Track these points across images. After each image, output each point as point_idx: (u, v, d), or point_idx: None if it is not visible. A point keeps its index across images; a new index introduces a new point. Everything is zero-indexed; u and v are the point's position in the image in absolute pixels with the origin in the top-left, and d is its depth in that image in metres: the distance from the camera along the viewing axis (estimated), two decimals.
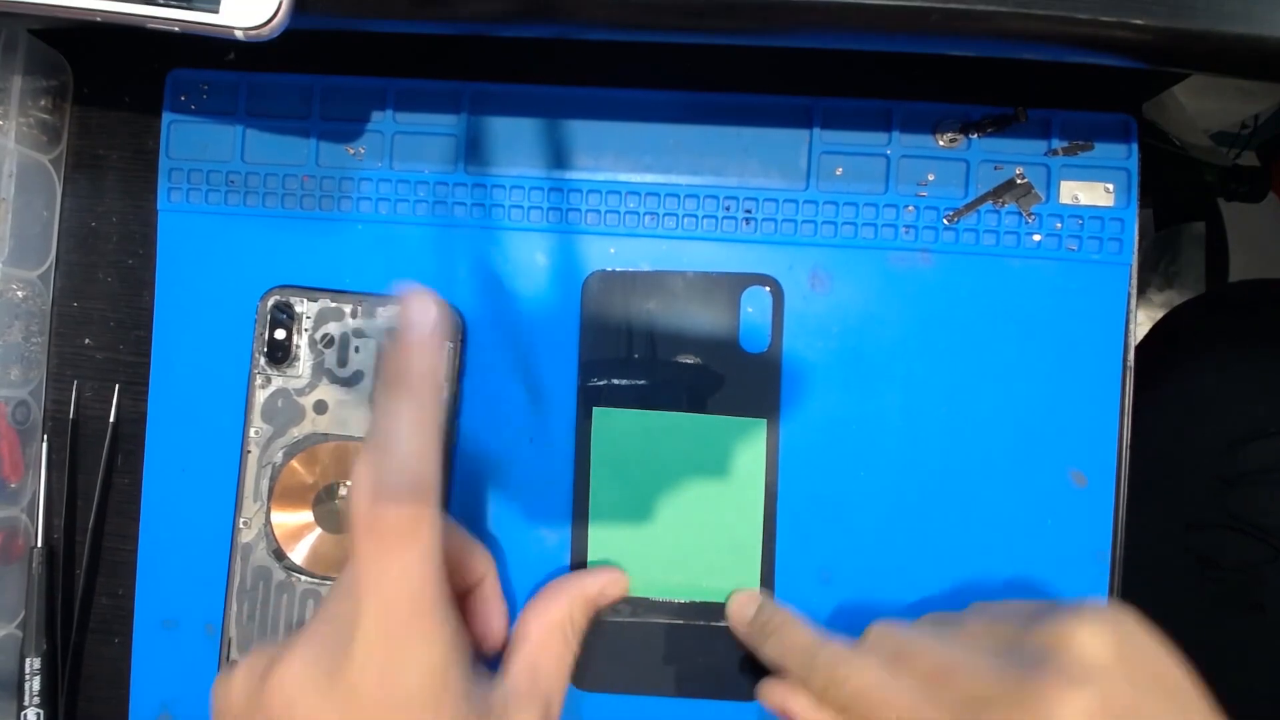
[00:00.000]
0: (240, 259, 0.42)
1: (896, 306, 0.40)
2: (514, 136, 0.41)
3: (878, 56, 0.40)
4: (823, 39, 0.31)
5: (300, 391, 0.41)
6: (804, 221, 0.40)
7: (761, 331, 0.41)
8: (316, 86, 0.42)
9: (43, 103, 0.42)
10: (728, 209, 0.41)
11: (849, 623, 0.40)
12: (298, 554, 0.41)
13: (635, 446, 0.41)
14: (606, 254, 0.41)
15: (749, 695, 0.40)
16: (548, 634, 0.36)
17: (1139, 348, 0.39)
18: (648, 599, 0.41)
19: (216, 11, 0.29)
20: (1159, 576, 0.53)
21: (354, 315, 0.41)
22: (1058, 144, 0.40)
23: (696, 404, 0.41)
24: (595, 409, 0.41)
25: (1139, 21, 0.28)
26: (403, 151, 0.41)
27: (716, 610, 0.41)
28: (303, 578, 0.41)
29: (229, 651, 0.41)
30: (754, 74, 0.41)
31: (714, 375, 0.41)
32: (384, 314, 0.41)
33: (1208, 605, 0.52)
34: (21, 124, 0.41)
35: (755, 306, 0.41)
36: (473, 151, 0.41)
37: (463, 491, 0.41)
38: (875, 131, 0.40)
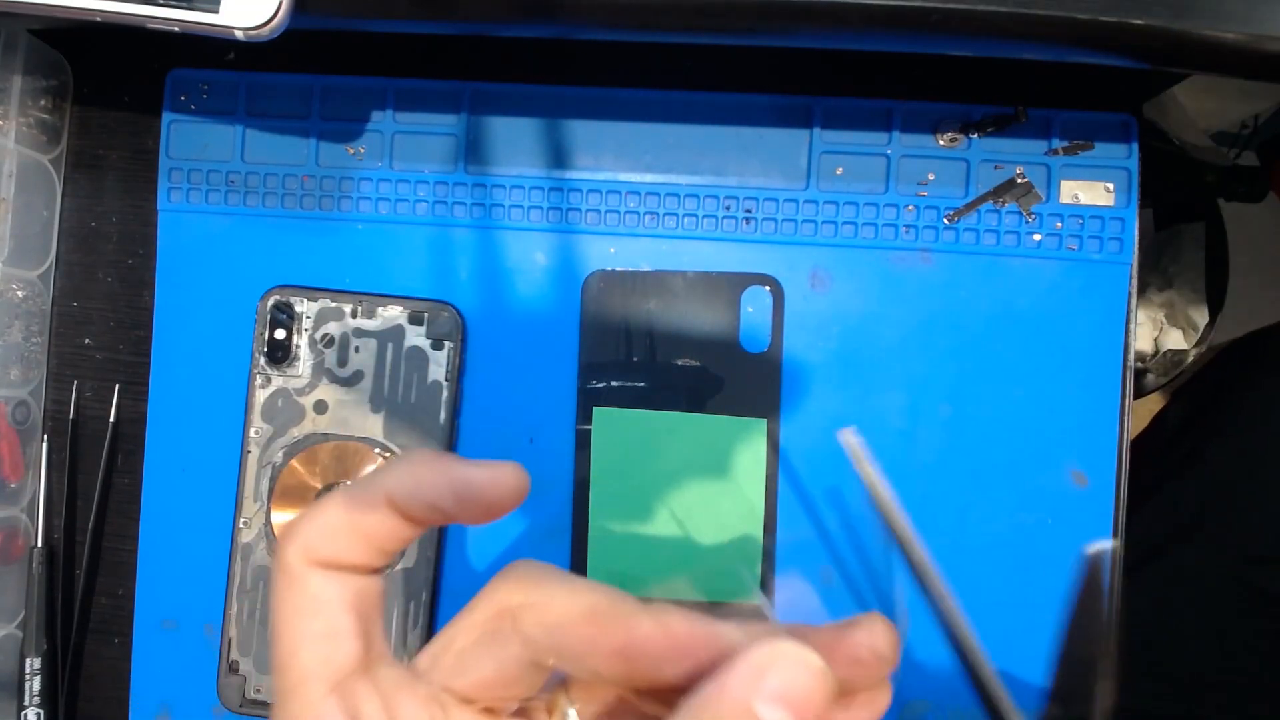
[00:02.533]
0: (240, 259, 0.42)
1: (896, 306, 0.40)
2: (514, 136, 0.41)
3: (878, 56, 0.40)
4: (823, 39, 0.31)
5: (300, 391, 0.41)
6: (804, 221, 0.40)
7: (761, 331, 0.41)
8: (316, 86, 0.42)
9: (43, 103, 0.42)
10: (728, 209, 0.41)
11: None
12: None
13: (635, 446, 0.41)
14: (606, 254, 0.41)
15: None
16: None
17: (1207, 368, 0.36)
18: (647, 599, 0.41)
19: (216, 11, 0.29)
20: (1210, 606, 0.52)
21: (354, 315, 0.41)
22: (1058, 144, 0.40)
23: (696, 404, 0.41)
24: (595, 409, 0.41)
25: (1139, 21, 0.28)
26: (403, 151, 0.41)
27: (716, 610, 0.40)
28: None
29: (229, 651, 0.41)
30: (754, 74, 0.41)
31: (714, 375, 0.41)
32: (384, 314, 0.41)
33: (1253, 639, 0.50)
34: (21, 124, 0.41)
35: (755, 306, 0.41)
36: (473, 151, 0.41)
37: None
38: (875, 131, 0.40)
